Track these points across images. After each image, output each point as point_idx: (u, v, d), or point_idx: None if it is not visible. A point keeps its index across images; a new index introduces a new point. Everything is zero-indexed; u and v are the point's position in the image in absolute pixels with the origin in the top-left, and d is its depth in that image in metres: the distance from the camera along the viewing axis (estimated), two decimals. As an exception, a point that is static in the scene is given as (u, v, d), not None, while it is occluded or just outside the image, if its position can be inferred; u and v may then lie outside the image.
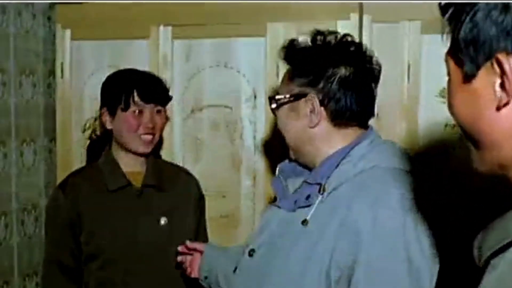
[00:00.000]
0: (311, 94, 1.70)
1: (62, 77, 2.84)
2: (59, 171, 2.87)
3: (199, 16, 2.62)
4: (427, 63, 2.40)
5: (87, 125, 2.83)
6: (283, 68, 1.85)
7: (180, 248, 2.21)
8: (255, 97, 2.60)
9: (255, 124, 2.61)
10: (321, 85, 1.69)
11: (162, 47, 2.69)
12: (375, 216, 1.55)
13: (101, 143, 2.51)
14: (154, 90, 2.36)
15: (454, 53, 1.00)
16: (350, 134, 1.73)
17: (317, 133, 1.72)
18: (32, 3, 2.97)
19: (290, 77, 1.77)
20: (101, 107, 2.41)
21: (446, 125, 2.37)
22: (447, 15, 0.97)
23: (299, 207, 1.70)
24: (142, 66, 2.59)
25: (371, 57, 1.77)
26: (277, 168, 1.91)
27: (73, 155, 2.85)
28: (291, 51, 1.77)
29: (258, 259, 1.76)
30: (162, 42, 2.69)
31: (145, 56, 2.72)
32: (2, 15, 2.81)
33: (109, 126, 2.39)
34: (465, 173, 2.25)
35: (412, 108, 2.43)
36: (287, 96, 1.75)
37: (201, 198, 2.56)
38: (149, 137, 2.35)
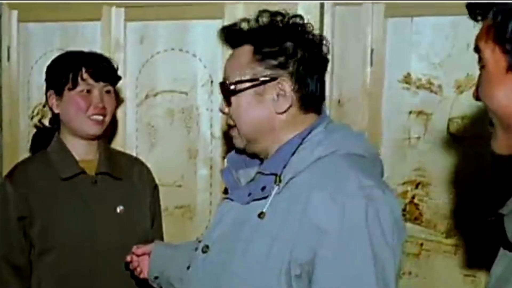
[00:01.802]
0: (283, 77, 1.61)
1: (8, 60, 2.73)
2: (6, 160, 2.76)
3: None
4: (391, 48, 2.31)
5: (35, 111, 2.72)
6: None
7: (129, 258, 2.11)
8: (211, 82, 2.49)
9: (211, 110, 2.50)
10: (291, 68, 1.61)
11: (115, 29, 2.58)
12: (337, 206, 1.47)
13: (48, 131, 2.39)
14: (103, 67, 2.27)
15: (501, 42, 1.07)
16: (308, 120, 1.65)
17: (283, 120, 1.63)
18: (-23, -17, 2.82)
19: (254, 58, 1.63)
20: (47, 90, 2.31)
21: (410, 112, 2.30)
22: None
23: (254, 200, 1.61)
24: (94, 49, 2.48)
25: (323, 39, 1.70)
26: (226, 159, 1.83)
27: (20, 143, 2.74)
28: (254, 30, 1.65)
29: (213, 256, 1.66)
30: (115, 24, 2.58)
31: (97, 39, 2.61)
32: None
33: (56, 109, 2.29)
34: (430, 158, 2.27)
35: (376, 94, 2.34)
36: (255, 79, 1.62)
37: (155, 187, 2.47)
38: (100, 117, 2.26)
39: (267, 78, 1.61)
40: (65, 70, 2.24)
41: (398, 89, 2.31)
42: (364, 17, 2.33)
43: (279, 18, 1.64)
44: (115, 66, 2.34)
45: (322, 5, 2.35)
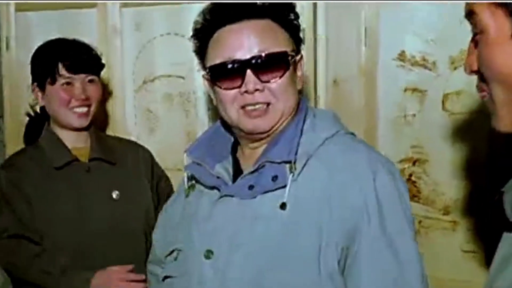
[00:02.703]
0: (301, 54, 1.63)
1: (7, 50, 2.74)
2: (8, 148, 2.78)
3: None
4: (385, 27, 2.31)
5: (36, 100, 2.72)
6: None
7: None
8: (208, 65, 2.49)
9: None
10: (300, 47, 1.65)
11: (111, 16, 2.59)
12: (367, 184, 1.48)
13: (40, 120, 2.41)
14: (81, 59, 2.26)
15: (505, 4, 0.99)
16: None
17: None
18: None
19: (285, 32, 1.59)
20: (31, 83, 2.34)
21: (405, 89, 2.30)
22: None
23: (265, 192, 1.51)
24: (91, 36, 2.54)
25: None
26: (189, 155, 1.69)
27: (22, 130, 2.73)
28: (276, 5, 1.59)
29: (226, 259, 1.51)
30: (110, 11, 2.59)
31: (93, 27, 2.62)
32: None
33: (41, 102, 2.33)
34: (427, 135, 2.27)
35: (371, 73, 2.33)
36: (296, 51, 1.60)
37: (153, 167, 2.45)
38: (83, 109, 2.27)
39: (298, 53, 1.61)
40: (43, 65, 2.26)
41: (393, 67, 2.30)
42: (357, -4, 2.33)
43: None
44: (97, 53, 2.33)
45: (316, -14, 2.36)
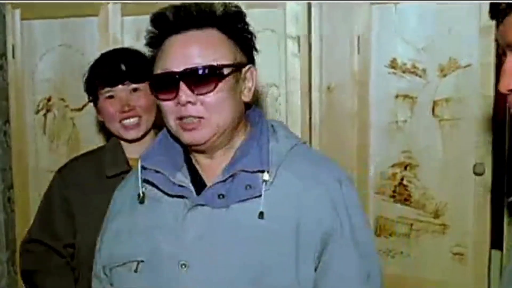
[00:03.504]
0: (251, 65, 1.58)
1: (13, 58, 2.80)
2: (14, 153, 2.85)
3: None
4: (377, 34, 2.37)
5: (40, 106, 2.80)
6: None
7: None
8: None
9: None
10: (252, 57, 1.61)
11: (112, 25, 2.65)
12: (339, 191, 1.55)
13: None
14: (115, 70, 2.18)
15: None
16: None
17: (244, 110, 1.59)
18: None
19: (230, 43, 1.54)
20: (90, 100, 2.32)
21: (396, 96, 2.35)
22: None
23: (239, 201, 1.50)
24: (93, 44, 2.61)
25: None
26: (144, 162, 1.60)
27: (28, 136, 2.82)
28: (225, 15, 1.54)
29: (201, 270, 1.49)
30: (112, 19, 2.65)
31: (95, 35, 2.68)
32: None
33: (100, 118, 2.27)
34: (417, 140, 2.33)
35: (364, 79, 2.39)
36: (238, 63, 1.53)
37: None
38: (132, 120, 2.19)
39: (242, 63, 1.55)
40: (86, 84, 2.23)
41: (384, 74, 2.37)
42: (350, 5, 2.38)
43: (235, 7, 1.57)
44: (139, 60, 2.16)
45: (310, -6, 2.42)
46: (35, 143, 2.78)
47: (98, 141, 2.67)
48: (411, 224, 2.38)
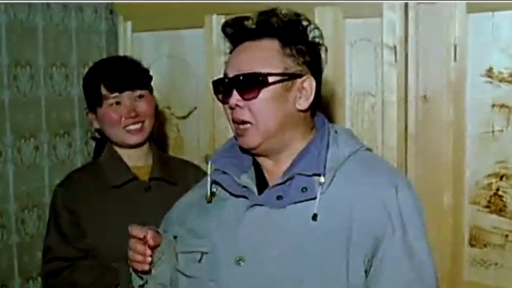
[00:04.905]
0: (308, 75, 1.66)
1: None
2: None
3: (250, 4, 2.65)
4: (473, 43, 2.35)
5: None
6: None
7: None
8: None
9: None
10: (314, 68, 1.69)
11: (216, 35, 2.74)
12: (395, 198, 1.59)
13: (103, 140, 2.41)
14: (123, 76, 2.25)
15: None
16: (312, 120, 1.74)
17: (302, 117, 1.67)
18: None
19: (284, 52, 1.64)
20: (85, 108, 2.39)
21: (493, 105, 2.33)
22: None
23: (294, 203, 1.59)
24: (198, 54, 2.73)
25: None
26: (214, 164, 1.75)
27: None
28: (284, 25, 1.66)
29: (256, 267, 1.59)
30: (216, 30, 2.74)
31: (200, 46, 2.80)
32: (64, 12, 2.96)
33: (96, 125, 2.34)
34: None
35: (460, 88, 2.38)
36: (286, 73, 1.62)
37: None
38: (136, 126, 2.26)
39: (297, 74, 1.63)
40: (88, 90, 2.29)
41: (480, 83, 2.34)
42: (446, 14, 2.38)
43: (302, 17, 1.68)
44: (143, 67, 2.33)
45: (406, 4, 2.43)
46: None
47: (202, 147, 2.80)
48: (506, 235, 2.33)
